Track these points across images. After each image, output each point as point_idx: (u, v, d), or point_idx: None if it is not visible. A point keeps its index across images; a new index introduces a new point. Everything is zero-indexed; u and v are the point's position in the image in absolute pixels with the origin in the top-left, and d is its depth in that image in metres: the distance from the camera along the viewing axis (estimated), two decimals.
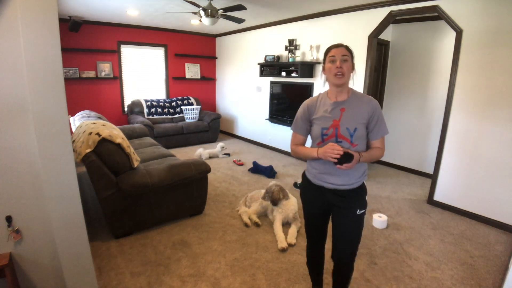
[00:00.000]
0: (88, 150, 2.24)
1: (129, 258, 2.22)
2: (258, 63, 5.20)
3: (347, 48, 1.40)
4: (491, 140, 2.81)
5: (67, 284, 1.56)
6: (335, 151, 1.32)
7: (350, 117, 1.40)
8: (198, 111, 6.02)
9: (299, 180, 3.78)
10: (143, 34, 5.70)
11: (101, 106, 5.49)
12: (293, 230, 2.57)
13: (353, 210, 1.47)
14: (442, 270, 2.17)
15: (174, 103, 5.98)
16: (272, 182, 2.81)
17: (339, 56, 1.36)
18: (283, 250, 2.34)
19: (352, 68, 1.41)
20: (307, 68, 4.43)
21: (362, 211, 1.49)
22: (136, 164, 2.51)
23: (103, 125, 2.57)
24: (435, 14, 3.11)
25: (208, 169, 2.77)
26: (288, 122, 4.94)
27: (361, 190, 1.50)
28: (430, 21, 3.92)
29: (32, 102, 1.29)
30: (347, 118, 1.40)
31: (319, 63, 4.38)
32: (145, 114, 5.60)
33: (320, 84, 4.39)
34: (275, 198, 2.68)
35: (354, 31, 3.86)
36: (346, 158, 1.32)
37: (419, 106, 4.21)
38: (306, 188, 1.60)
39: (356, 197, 1.48)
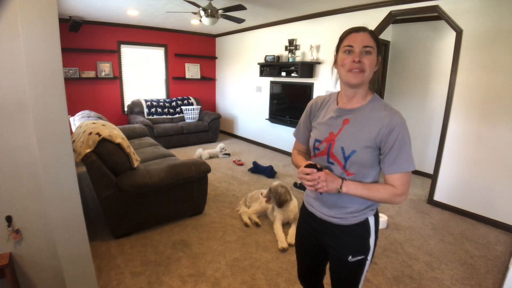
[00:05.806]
0: (88, 150, 2.24)
1: (129, 258, 2.22)
2: (258, 63, 5.20)
3: (371, 34, 0.98)
4: (491, 140, 2.81)
5: (67, 284, 1.55)
6: (303, 176, 1.02)
7: (351, 133, 1.03)
8: (198, 111, 6.02)
9: (299, 180, 3.77)
10: (143, 34, 5.70)
11: (101, 106, 5.49)
12: (293, 230, 2.56)
13: (342, 255, 1.11)
14: (442, 270, 2.17)
15: (174, 103, 5.98)
16: (276, 183, 2.70)
17: (359, 46, 0.95)
18: (284, 250, 2.34)
19: (377, 63, 1.00)
20: (307, 68, 4.43)
21: (357, 258, 1.09)
22: (136, 164, 2.51)
23: (103, 125, 2.57)
24: (435, 14, 3.11)
25: (208, 169, 2.77)
26: (288, 122, 4.91)
27: (360, 229, 1.08)
28: (430, 21, 3.92)
29: (32, 102, 1.29)
30: (347, 134, 1.03)
31: (319, 63, 4.37)
32: (145, 114, 5.60)
33: (320, 85, 4.39)
34: (282, 200, 2.61)
35: None
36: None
37: (419, 106, 4.21)
38: (301, 210, 1.28)
39: (350, 237, 1.09)
